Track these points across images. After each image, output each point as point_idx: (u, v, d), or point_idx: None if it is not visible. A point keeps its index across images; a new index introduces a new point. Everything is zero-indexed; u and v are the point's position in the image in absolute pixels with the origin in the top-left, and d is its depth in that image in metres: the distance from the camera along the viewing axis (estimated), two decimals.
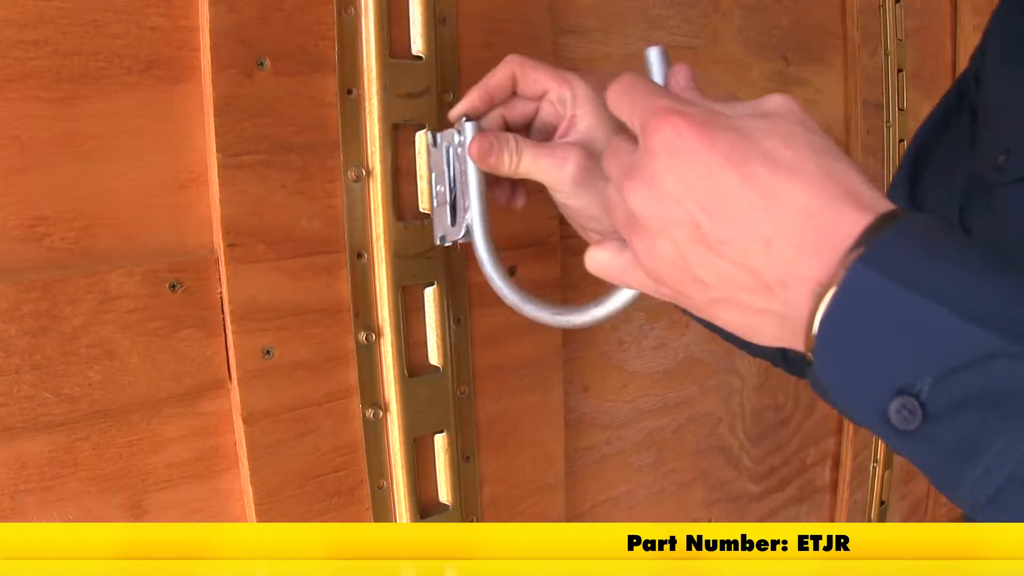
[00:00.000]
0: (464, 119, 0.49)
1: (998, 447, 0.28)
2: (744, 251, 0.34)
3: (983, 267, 0.31)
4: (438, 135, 0.51)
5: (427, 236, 0.54)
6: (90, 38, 0.43)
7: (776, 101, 0.36)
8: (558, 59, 0.65)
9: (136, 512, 0.46)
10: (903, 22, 1.08)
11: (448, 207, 0.51)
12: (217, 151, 0.47)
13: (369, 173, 0.53)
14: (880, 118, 1.07)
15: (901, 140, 1.10)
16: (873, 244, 0.31)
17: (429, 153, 0.52)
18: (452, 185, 0.50)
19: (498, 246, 0.60)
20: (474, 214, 0.49)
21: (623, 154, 0.38)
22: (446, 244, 0.52)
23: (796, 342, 0.34)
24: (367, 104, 0.52)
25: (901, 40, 1.09)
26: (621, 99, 0.39)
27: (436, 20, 0.55)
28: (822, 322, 0.32)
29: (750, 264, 0.34)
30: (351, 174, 0.52)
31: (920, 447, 0.30)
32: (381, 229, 0.53)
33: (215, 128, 0.46)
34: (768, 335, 0.35)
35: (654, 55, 0.41)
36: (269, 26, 0.48)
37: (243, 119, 0.47)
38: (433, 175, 0.52)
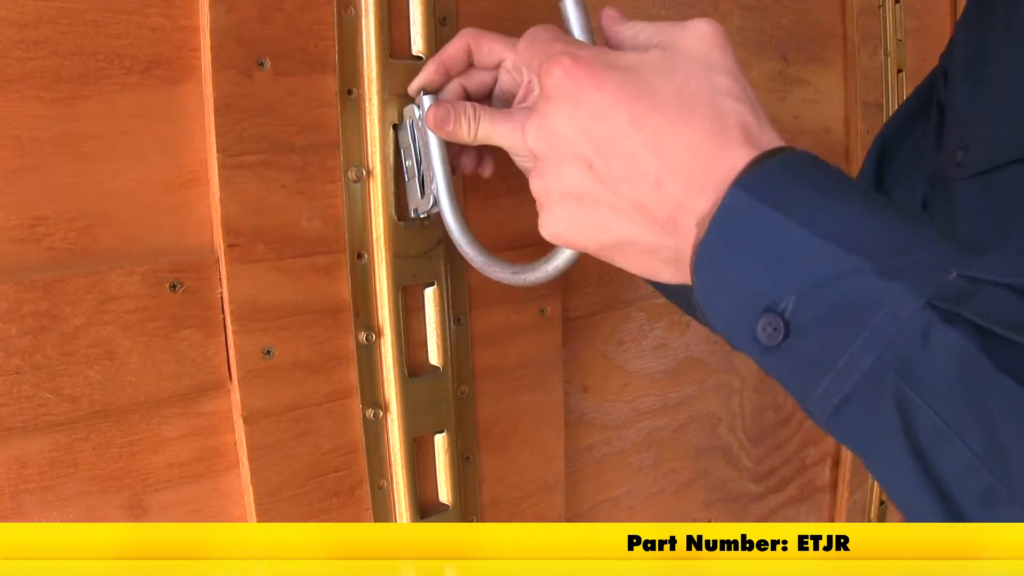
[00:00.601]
0: (422, 93, 0.50)
1: (844, 360, 0.30)
2: (636, 188, 0.34)
3: (851, 197, 0.32)
4: (403, 111, 0.52)
5: (427, 236, 0.54)
6: (90, 38, 0.43)
7: (691, 35, 0.36)
8: None
9: (136, 512, 0.46)
10: (903, 22, 1.08)
11: (417, 180, 0.52)
12: (217, 151, 0.47)
13: (369, 173, 0.53)
14: (880, 118, 1.07)
15: None
16: (751, 172, 0.32)
17: (397, 131, 0.53)
18: (418, 159, 0.52)
19: (498, 246, 0.60)
20: (439, 182, 0.50)
21: (532, 99, 0.39)
22: (421, 216, 0.53)
23: (687, 275, 0.35)
24: (367, 104, 0.52)
25: (901, 40, 1.09)
26: (525, 49, 0.40)
27: (436, 20, 0.55)
28: (699, 245, 0.33)
29: (642, 201, 0.34)
30: (351, 174, 0.52)
31: (781, 362, 0.32)
32: (381, 229, 0.53)
33: (215, 128, 0.46)
34: (665, 272, 0.36)
35: (570, 6, 0.42)
36: (269, 26, 0.48)
37: (243, 119, 0.47)
38: (402, 151, 0.53)
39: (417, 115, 0.51)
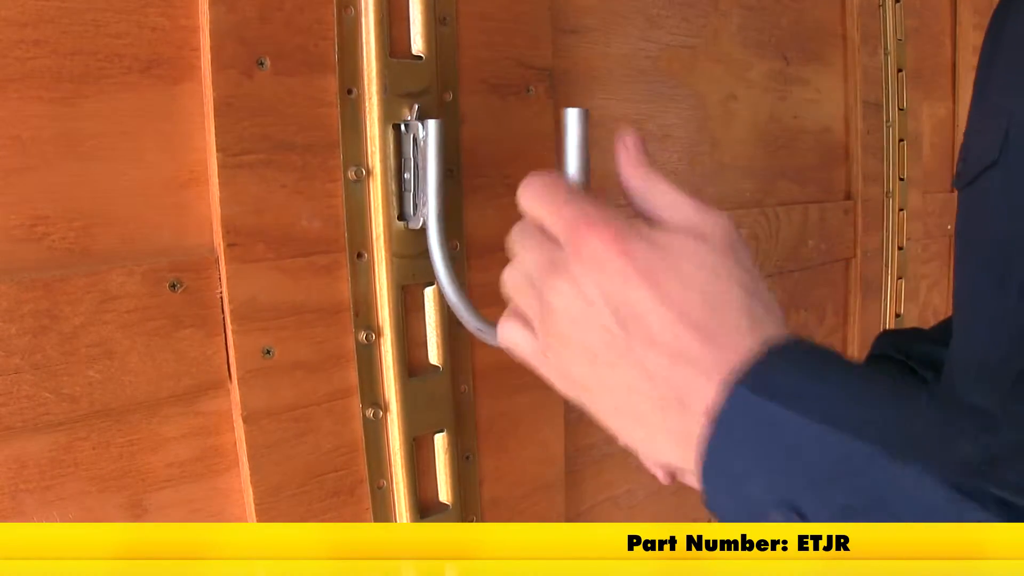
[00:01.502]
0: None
1: None
2: (650, 361, 0.35)
3: (850, 381, 0.33)
4: (409, 124, 0.53)
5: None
6: (90, 38, 0.43)
7: (714, 226, 0.37)
8: (558, 59, 0.65)
9: (136, 512, 0.46)
10: (903, 22, 1.08)
11: (411, 195, 0.53)
12: (217, 151, 0.47)
13: (369, 173, 0.53)
14: (880, 118, 1.07)
15: (901, 140, 1.10)
16: (753, 367, 0.33)
17: (400, 139, 0.53)
18: (415, 176, 0.52)
19: (496, 245, 0.60)
20: (431, 210, 0.50)
21: (545, 248, 0.38)
22: (405, 223, 0.54)
23: (688, 461, 0.35)
24: (367, 104, 0.52)
25: (901, 40, 1.09)
26: (535, 203, 0.39)
27: (436, 20, 0.55)
28: (708, 440, 0.33)
29: (656, 376, 0.35)
30: (351, 174, 0.52)
31: None
32: (381, 229, 0.53)
33: (215, 128, 0.46)
34: (668, 452, 0.36)
35: (572, 119, 0.40)
36: (269, 26, 0.48)
37: (243, 119, 0.47)
38: (401, 160, 0.53)
39: (421, 135, 0.51)
